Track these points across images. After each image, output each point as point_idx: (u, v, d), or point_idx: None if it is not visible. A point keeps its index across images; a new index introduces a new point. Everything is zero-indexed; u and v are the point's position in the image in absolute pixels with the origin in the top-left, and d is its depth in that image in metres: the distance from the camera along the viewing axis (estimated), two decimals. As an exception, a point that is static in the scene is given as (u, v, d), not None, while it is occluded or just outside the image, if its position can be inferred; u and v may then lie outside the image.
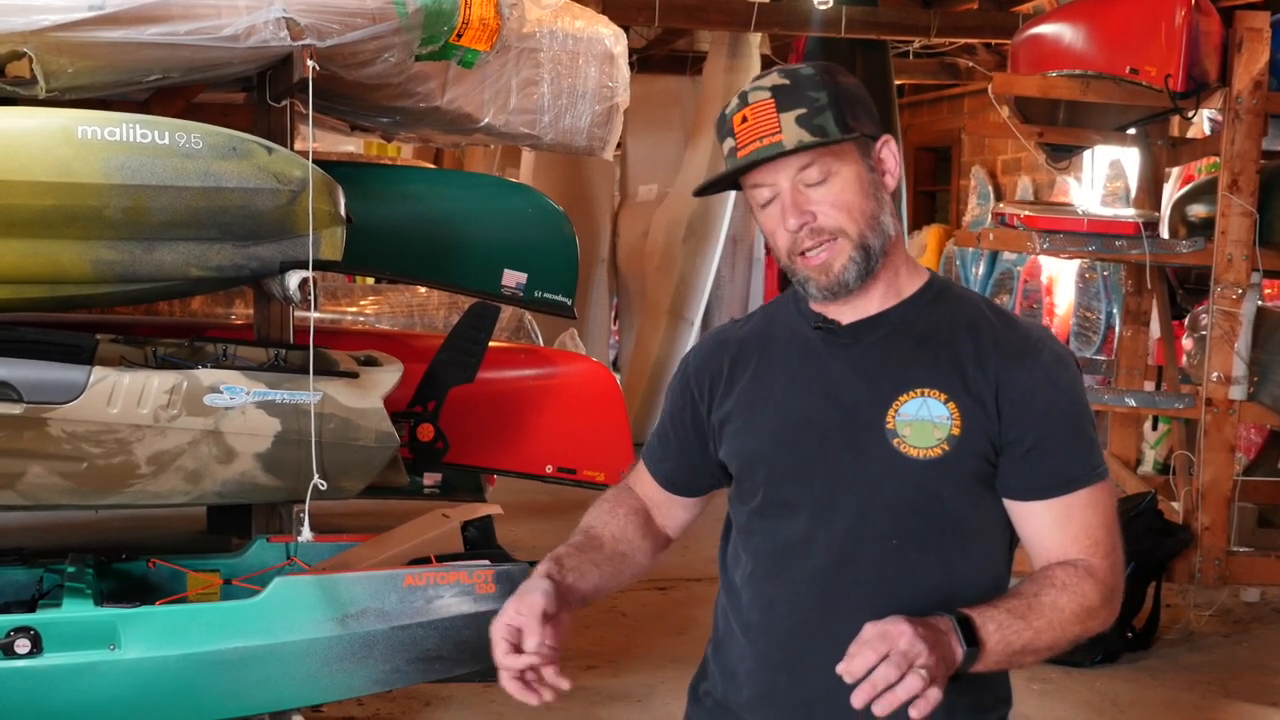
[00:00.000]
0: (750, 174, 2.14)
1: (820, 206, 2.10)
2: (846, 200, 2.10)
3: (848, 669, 1.84)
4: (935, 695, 1.83)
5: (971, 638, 1.93)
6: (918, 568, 2.10)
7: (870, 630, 1.86)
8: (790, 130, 2.07)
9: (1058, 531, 2.10)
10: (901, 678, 1.81)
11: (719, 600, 2.33)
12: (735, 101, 2.15)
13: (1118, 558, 2.13)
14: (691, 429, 2.31)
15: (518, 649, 2.03)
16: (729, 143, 2.14)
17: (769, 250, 2.28)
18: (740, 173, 2.14)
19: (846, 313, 2.18)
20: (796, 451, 2.14)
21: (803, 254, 2.11)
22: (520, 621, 2.02)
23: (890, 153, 2.17)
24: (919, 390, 2.10)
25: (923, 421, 2.08)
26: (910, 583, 2.09)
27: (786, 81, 2.12)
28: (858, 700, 1.81)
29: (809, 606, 2.13)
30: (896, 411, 2.09)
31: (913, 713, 1.82)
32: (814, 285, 2.13)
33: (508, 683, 2.04)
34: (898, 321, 2.16)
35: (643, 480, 2.43)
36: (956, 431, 2.08)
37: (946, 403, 2.09)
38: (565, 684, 2.03)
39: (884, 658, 1.82)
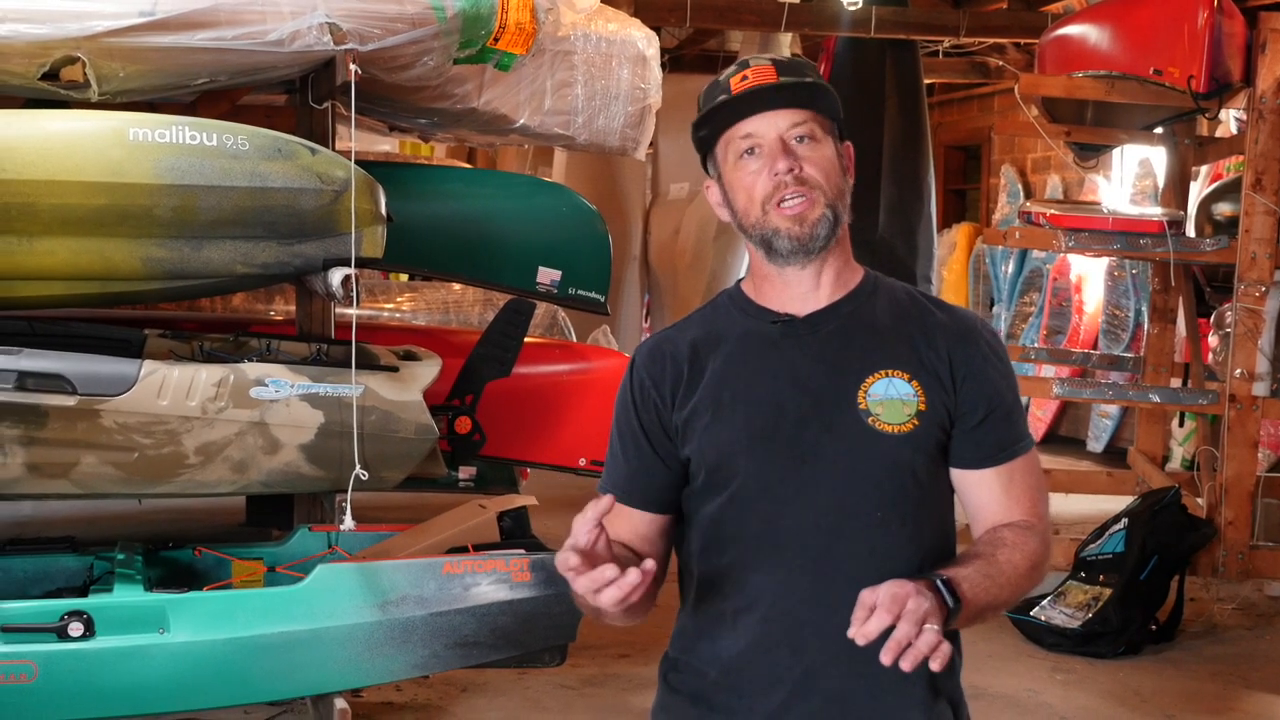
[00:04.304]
0: (739, 125, 2.24)
1: (805, 163, 2.22)
2: (826, 166, 2.23)
3: (863, 632, 1.95)
4: (948, 648, 1.95)
5: (955, 596, 2.06)
6: (899, 538, 2.23)
7: (872, 595, 1.97)
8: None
9: (1003, 494, 2.28)
10: (918, 635, 1.93)
11: (688, 596, 2.36)
12: (732, 69, 2.29)
13: (1048, 512, 2.34)
14: (661, 430, 2.33)
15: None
16: (722, 99, 2.25)
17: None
18: (737, 112, 2.24)
19: (799, 306, 2.30)
20: (775, 438, 2.24)
21: (779, 203, 2.22)
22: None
23: (850, 156, 2.33)
24: (883, 372, 2.24)
25: (892, 400, 2.22)
26: (894, 552, 2.21)
27: (784, 59, 2.28)
28: (887, 658, 1.93)
29: (803, 583, 2.22)
30: (866, 392, 2.22)
31: (934, 665, 1.94)
32: (785, 237, 2.23)
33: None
34: (848, 311, 2.29)
35: (617, 525, 2.33)
36: (923, 407, 2.23)
37: (910, 381, 2.23)
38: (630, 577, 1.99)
39: (897, 618, 1.94)
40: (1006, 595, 2.18)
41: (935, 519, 2.28)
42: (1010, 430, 2.28)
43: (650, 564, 2.02)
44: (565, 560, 2.02)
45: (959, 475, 2.29)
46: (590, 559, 2.02)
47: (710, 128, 2.28)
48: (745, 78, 2.24)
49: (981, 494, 2.29)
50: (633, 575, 1.99)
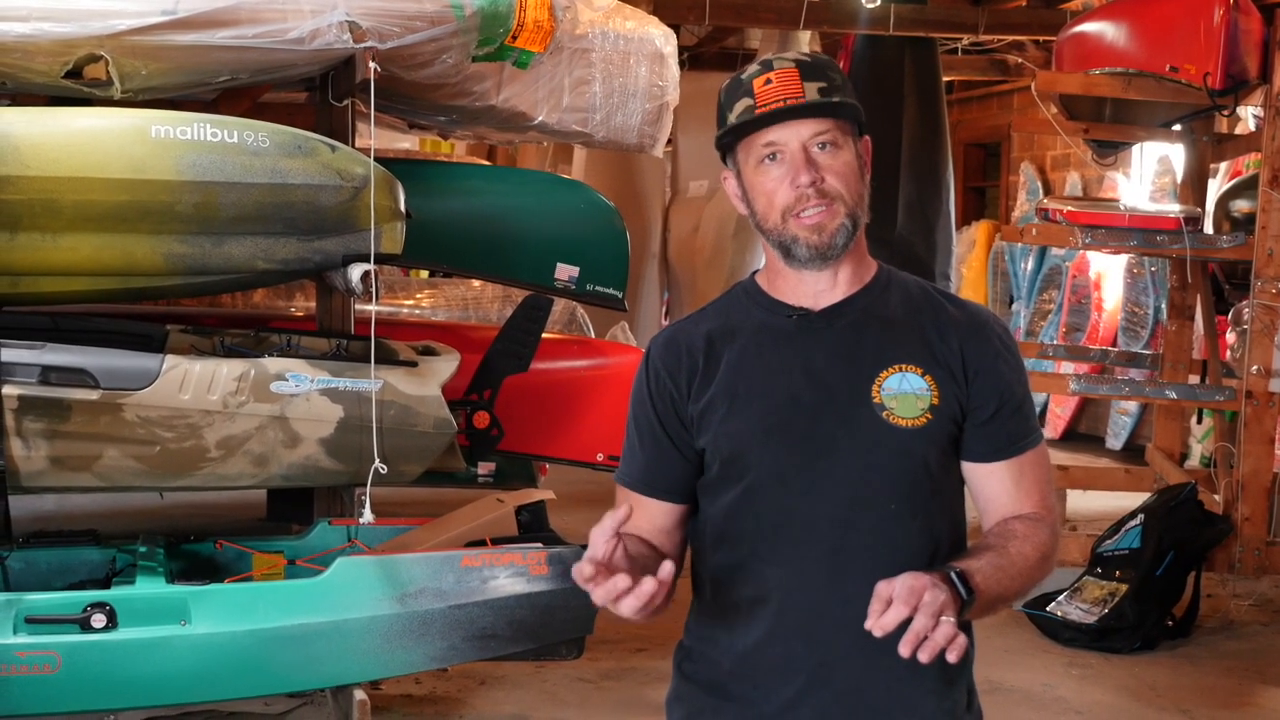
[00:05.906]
0: (762, 132, 2.25)
1: (826, 172, 2.24)
2: (847, 174, 2.25)
3: (880, 624, 1.98)
4: (964, 640, 1.99)
5: (968, 588, 2.09)
6: (912, 530, 2.26)
7: (888, 587, 2.00)
8: (813, 98, 2.23)
9: (1014, 487, 2.31)
10: (935, 627, 1.97)
11: (702, 586, 2.38)
12: (755, 67, 2.29)
13: (1056, 504, 2.37)
14: (677, 420, 2.35)
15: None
16: (745, 102, 2.25)
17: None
18: (761, 124, 2.24)
19: (814, 301, 2.32)
20: (789, 430, 2.26)
21: (798, 214, 2.24)
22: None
23: (868, 151, 2.34)
24: (897, 366, 2.27)
25: (906, 394, 2.26)
26: (906, 544, 2.25)
27: (808, 59, 2.29)
28: (906, 650, 1.96)
29: (817, 574, 2.25)
30: (880, 386, 2.26)
31: (951, 657, 1.98)
32: (804, 245, 2.25)
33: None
34: (863, 305, 2.32)
35: (635, 516, 2.26)
36: (936, 401, 2.26)
37: (923, 375, 2.26)
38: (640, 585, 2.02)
39: (914, 610, 1.97)
40: (1018, 587, 2.21)
41: (947, 511, 2.31)
42: (1021, 424, 2.31)
43: (667, 571, 2.04)
44: (580, 572, 2.04)
45: (970, 468, 2.33)
46: (609, 569, 2.04)
47: (732, 135, 2.29)
48: (769, 81, 2.23)
49: (992, 487, 2.32)
50: (648, 585, 2.02)
